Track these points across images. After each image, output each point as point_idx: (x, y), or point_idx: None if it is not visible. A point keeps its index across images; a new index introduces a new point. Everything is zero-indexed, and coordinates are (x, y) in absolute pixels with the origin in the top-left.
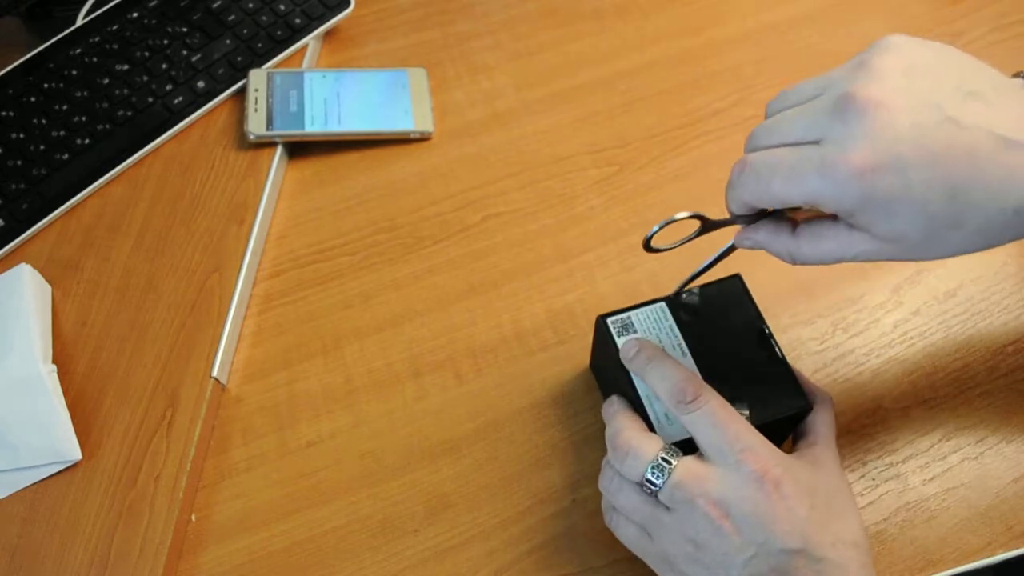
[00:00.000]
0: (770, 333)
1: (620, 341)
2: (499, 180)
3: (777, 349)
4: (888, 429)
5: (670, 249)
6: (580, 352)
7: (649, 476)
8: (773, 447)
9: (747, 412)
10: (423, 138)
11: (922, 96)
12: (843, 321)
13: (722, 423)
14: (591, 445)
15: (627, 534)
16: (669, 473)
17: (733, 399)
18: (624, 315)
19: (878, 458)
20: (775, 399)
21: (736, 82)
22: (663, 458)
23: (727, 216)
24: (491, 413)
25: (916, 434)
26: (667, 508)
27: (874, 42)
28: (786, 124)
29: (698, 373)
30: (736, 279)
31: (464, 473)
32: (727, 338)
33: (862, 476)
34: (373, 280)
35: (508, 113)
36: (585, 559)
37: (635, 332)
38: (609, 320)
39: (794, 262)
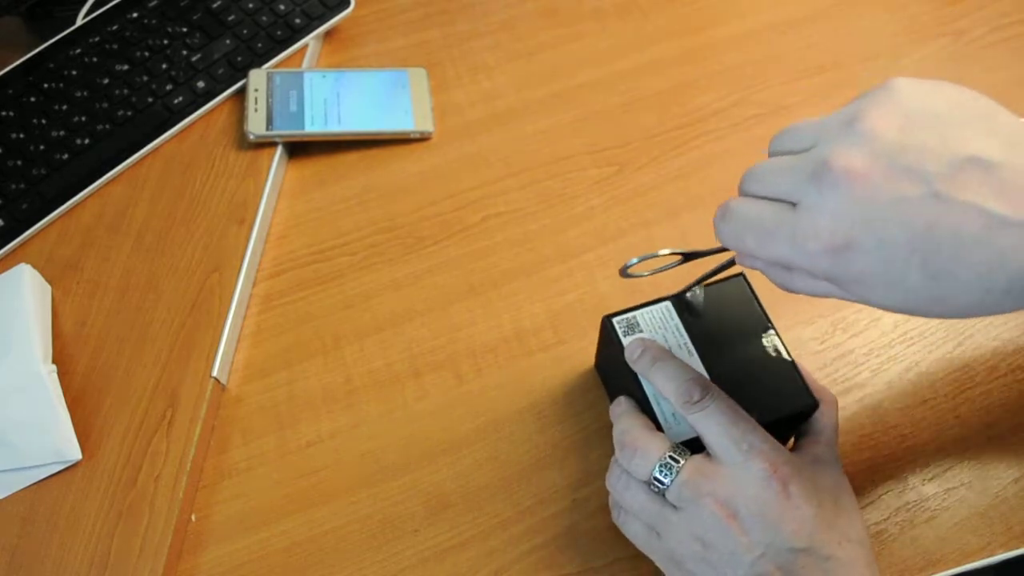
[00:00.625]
0: (775, 332)
1: (626, 341)
2: (499, 180)
3: (783, 348)
4: (888, 429)
5: (645, 276)
6: (580, 352)
7: (657, 475)
8: (780, 446)
9: (755, 411)
10: (423, 138)
11: (911, 164)
12: (843, 321)
13: (729, 422)
14: (591, 445)
15: (634, 532)
16: (677, 472)
17: (740, 398)
18: (630, 315)
19: (878, 458)
20: (782, 397)
21: (736, 82)
22: (671, 456)
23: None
24: (491, 413)
25: (916, 434)
26: (674, 507)
27: (879, 85)
28: (771, 176)
29: (705, 373)
30: (740, 279)
31: (464, 473)
32: (733, 337)
33: (862, 476)
34: (373, 280)
35: (508, 113)
36: (585, 559)
37: (641, 332)
38: (615, 320)
39: (788, 291)
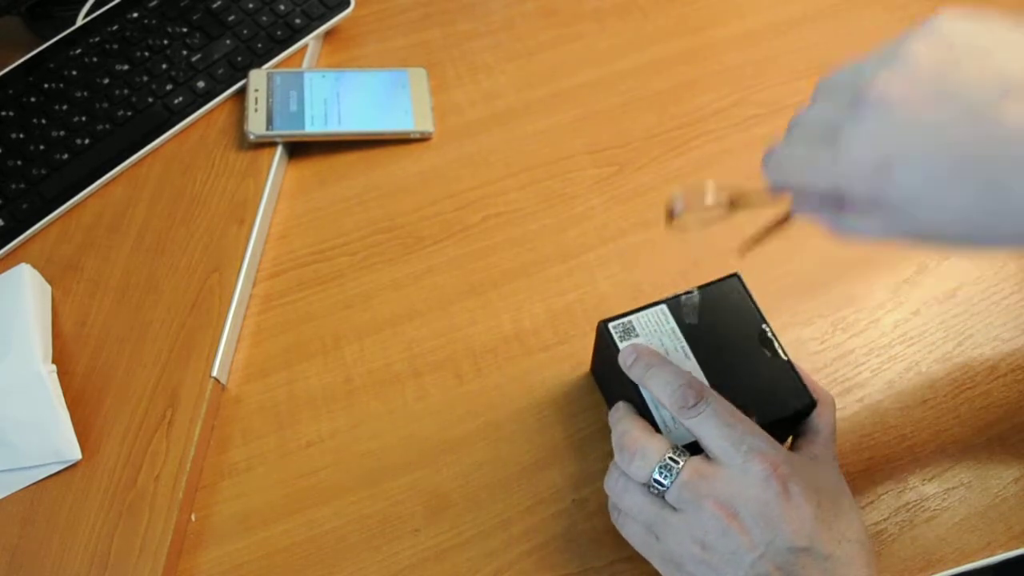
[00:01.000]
0: (772, 332)
1: (622, 346)
2: (499, 180)
3: (780, 348)
4: (888, 429)
5: (692, 230)
6: (580, 352)
7: (656, 476)
8: (779, 446)
9: (754, 412)
10: (423, 138)
11: (954, 91)
12: (843, 321)
13: (727, 425)
14: (591, 445)
15: (633, 534)
16: (677, 473)
17: (738, 400)
18: (625, 319)
19: (878, 458)
20: (780, 397)
21: (736, 82)
22: (670, 458)
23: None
24: (491, 413)
25: (916, 434)
26: (674, 509)
27: (925, 21)
28: (812, 113)
29: (702, 376)
30: (735, 279)
31: (464, 473)
32: (729, 338)
33: (862, 476)
34: (373, 280)
35: (508, 113)
36: (585, 559)
37: (637, 336)
38: (611, 325)
39: (845, 237)
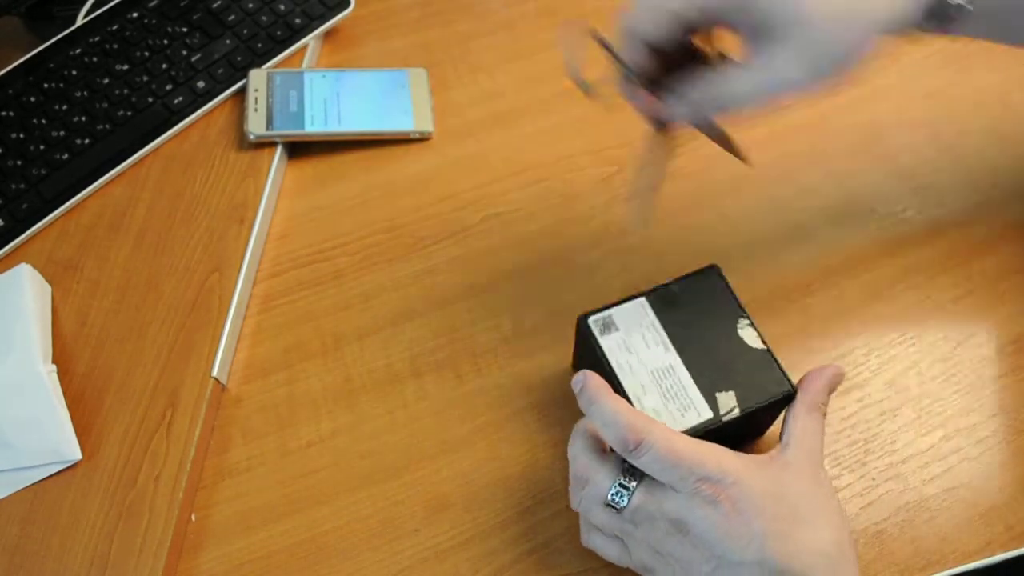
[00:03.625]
0: (751, 321)
1: (603, 340)
2: (499, 180)
3: (758, 336)
4: (888, 429)
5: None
6: None
7: (610, 501)
8: (729, 462)
9: (735, 402)
10: (423, 138)
11: None
12: None
13: (673, 463)
14: None
15: (607, 550)
16: (629, 497)
17: (717, 389)
18: (605, 313)
19: (878, 458)
20: (759, 386)
21: None
22: (620, 485)
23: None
24: (491, 413)
25: (916, 434)
26: (633, 524)
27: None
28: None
29: (683, 367)
30: (713, 269)
31: (464, 473)
32: (709, 329)
33: (862, 476)
34: (373, 280)
35: (508, 113)
36: (585, 559)
37: (617, 330)
38: (590, 319)
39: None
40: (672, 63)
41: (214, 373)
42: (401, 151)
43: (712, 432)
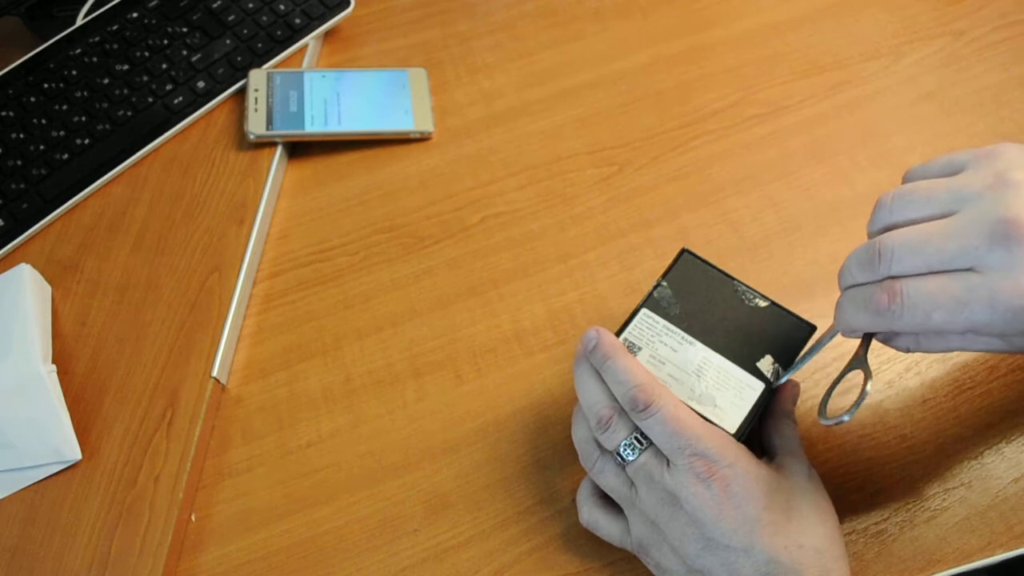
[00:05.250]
0: (744, 284)
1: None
2: (499, 180)
3: (758, 294)
4: (888, 429)
5: (845, 420)
6: None
7: (621, 451)
8: (726, 451)
9: (773, 362)
10: (423, 138)
11: None
12: None
13: (674, 431)
14: None
15: (608, 528)
16: (639, 453)
17: (755, 358)
18: (620, 337)
19: (878, 458)
20: (784, 337)
21: (736, 82)
22: (636, 438)
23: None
24: (491, 413)
25: (916, 434)
26: (635, 484)
27: (992, 148)
28: (932, 247)
29: (713, 354)
30: (687, 254)
31: (464, 473)
32: (714, 307)
33: (863, 476)
34: (373, 280)
35: (508, 113)
36: (585, 559)
37: (640, 349)
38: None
39: (908, 352)
40: None
41: (214, 373)
42: (401, 151)
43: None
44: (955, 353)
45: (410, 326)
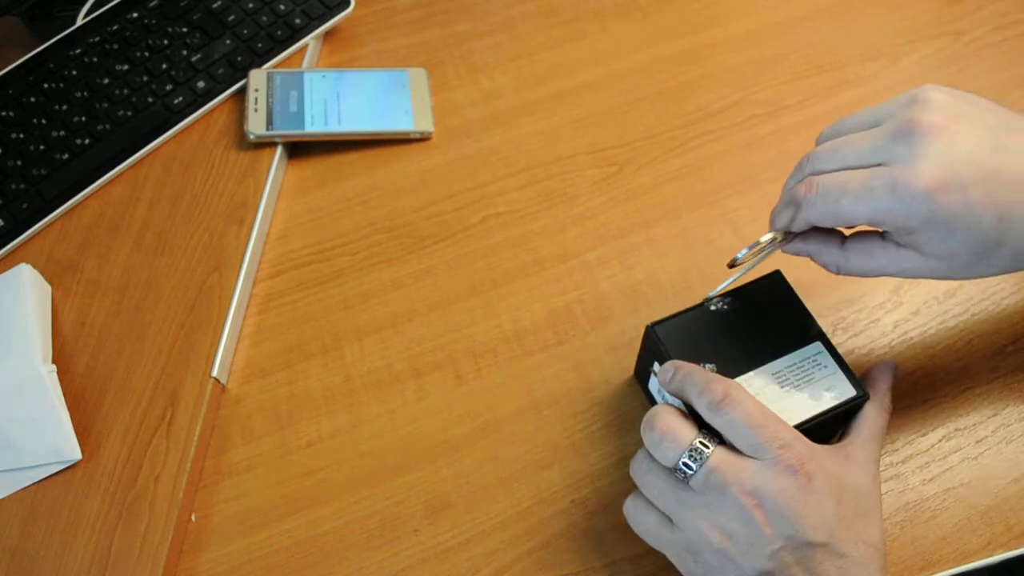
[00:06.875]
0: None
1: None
2: (499, 180)
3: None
4: (888, 429)
5: (750, 264)
6: (580, 352)
7: (685, 460)
8: (807, 441)
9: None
10: (423, 138)
11: (975, 126)
12: (843, 321)
13: (758, 424)
14: (591, 445)
15: (648, 525)
16: (706, 458)
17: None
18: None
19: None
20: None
21: (736, 82)
22: (700, 443)
23: (772, 232)
24: (491, 413)
25: (916, 434)
26: (696, 495)
27: (913, 90)
28: (849, 147)
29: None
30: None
31: (464, 473)
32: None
33: None
34: (373, 280)
35: (508, 113)
36: (585, 559)
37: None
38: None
39: (838, 272)
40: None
41: (214, 373)
42: (401, 151)
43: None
44: (955, 353)
45: (410, 326)
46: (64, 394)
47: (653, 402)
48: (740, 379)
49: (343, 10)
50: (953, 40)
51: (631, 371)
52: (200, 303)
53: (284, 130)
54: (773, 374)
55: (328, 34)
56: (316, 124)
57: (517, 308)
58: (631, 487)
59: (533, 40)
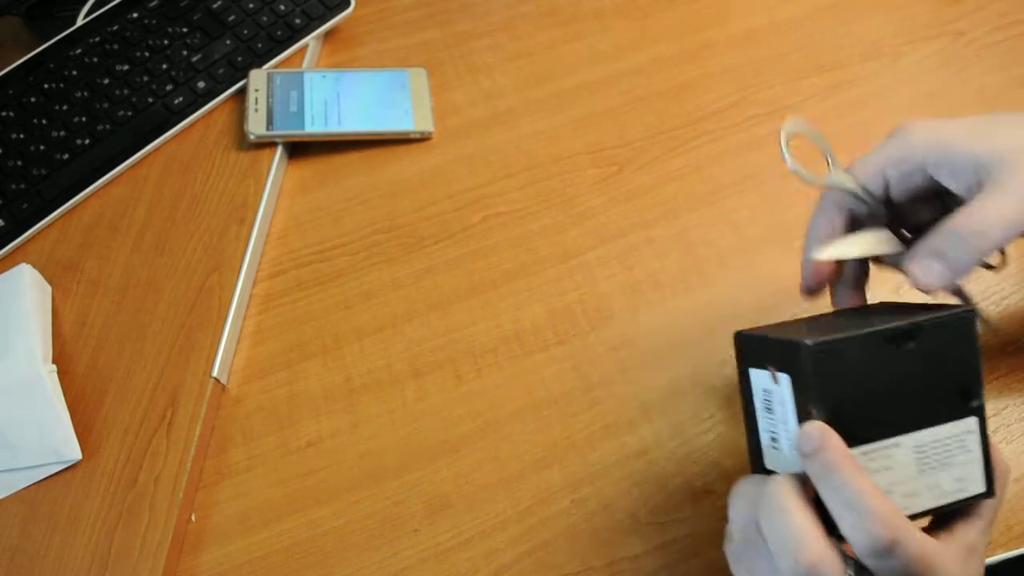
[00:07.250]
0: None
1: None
2: (499, 180)
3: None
4: None
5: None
6: (580, 352)
7: None
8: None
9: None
10: (423, 138)
11: None
12: None
13: (925, 571)
14: (591, 445)
15: None
16: None
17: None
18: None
19: None
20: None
21: (736, 82)
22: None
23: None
24: (491, 413)
25: None
26: None
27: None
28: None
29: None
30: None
31: (464, 473)
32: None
33: None
34: (373, 280)
35: (508, 113)
36: (585, 559)
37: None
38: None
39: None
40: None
41: (214, 373)
42: (401, 151)
43: None
44: None
45: (410, 326)
46: (64, 394)
47: (747, 390)
48: (879, 446)
49: (343, 10)
50: (953, 40)
51: (631, 371)
52: (200, 303)
53: (284, 130)
54: (915, 447)
55: (328, 34)
56: (316, 124)
57: (517, 308)
58: (631, 487)
59: (533, 40)
